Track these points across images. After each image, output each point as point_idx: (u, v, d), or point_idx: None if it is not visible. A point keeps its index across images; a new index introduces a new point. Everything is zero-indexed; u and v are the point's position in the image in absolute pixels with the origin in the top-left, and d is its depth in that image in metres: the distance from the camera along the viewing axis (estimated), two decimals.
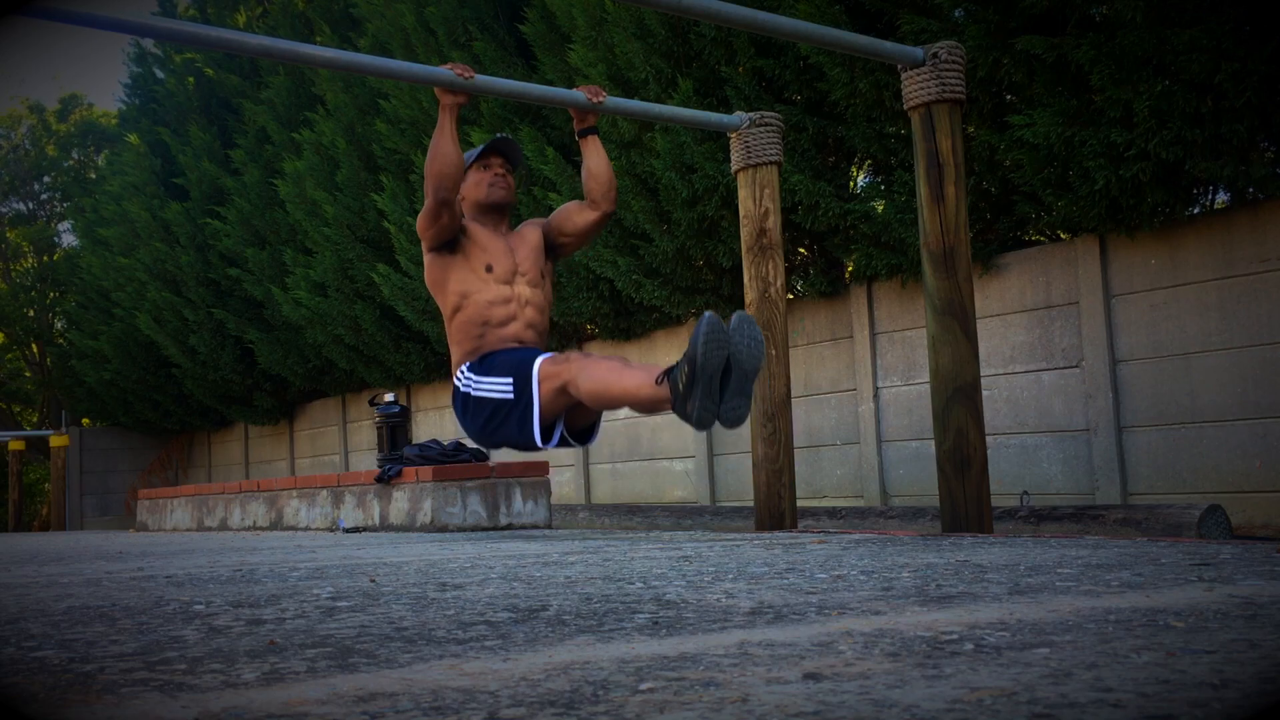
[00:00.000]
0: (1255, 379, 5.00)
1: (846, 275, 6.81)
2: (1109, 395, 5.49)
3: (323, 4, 10.30)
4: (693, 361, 2.87)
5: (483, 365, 3.54)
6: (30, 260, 19.19)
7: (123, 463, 15.28)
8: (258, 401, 12.20)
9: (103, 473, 15.22)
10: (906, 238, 5.84)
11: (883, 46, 4.08)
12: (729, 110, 6.28)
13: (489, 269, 3.66)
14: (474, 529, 5.53)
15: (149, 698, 1.09)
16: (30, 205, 19.41)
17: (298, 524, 6.77)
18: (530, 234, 3.84)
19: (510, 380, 3.41)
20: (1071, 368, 5.68)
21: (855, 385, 6.75)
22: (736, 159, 4.70)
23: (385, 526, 5.93)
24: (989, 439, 5.67)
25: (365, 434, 11.23)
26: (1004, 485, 5.79)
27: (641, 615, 1.61)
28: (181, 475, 15.00)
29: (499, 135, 4.25)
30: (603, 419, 3.66)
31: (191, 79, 12.13)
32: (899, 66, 4.09)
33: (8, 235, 19.10)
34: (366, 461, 11.09)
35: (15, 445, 15.87)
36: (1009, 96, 5.55)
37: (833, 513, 5.81)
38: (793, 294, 7.14)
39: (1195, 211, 5.35)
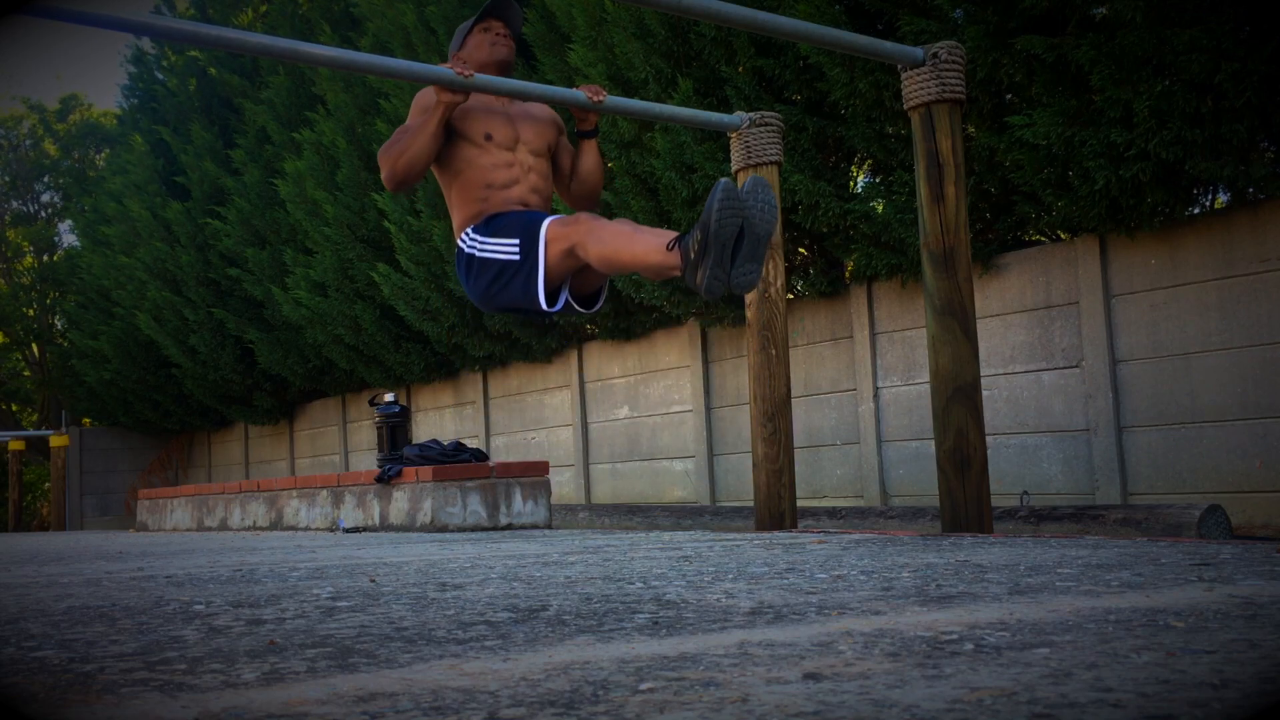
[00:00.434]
0: (1255, 379, 5.00)
1: (846, 275, 6.80)
2: (1109, 395, 5.49)
3: (323, 3, 10.30)
4: (706, 228, 2.80)
5: (489, 226, 3.41)
6: (30, 260, 19.20)
7: (123, 463, 15.27)
8: (258, 401, 12.20)
9: (103, 473, 15.21)
10: (906, 238, 5.84)
11: (883, 46, 4.07)
12: (729, 110, 6.28)
13: (488, 137, 3.55)
14: (474, 529, 5.53)
15: (149, 698, 1.09)
16: (32, 206, 19.40)
17: (298, 524, 6.77)
18: (540, 112, 3.74)
19: (517, 241, 3.30)
20: (1071, 368, 5.68)
21: (855, 385, 6.75)
22: (736, 159, 4.70)
23: (385, 526, 5.93)
24: (989, 439, 5.68)
25: (365, 434, 11.23)
26: (1004, 485, 5.79)
27: (641, 615, 1.61)
28: (181, 475, 15.00)
29: None
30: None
31: (194, 79, 12.13)
32: (899, 66, 4.09)
33: (8, 235, 19.10)
34: (366, 461, 11.09)
35: (15, 445, 15.85)
36: (1009, 97, 5.55)
37: (833, 513, 5.81)
38: (793, 294, 7.14)
39: (1195, 211, 5.35)
